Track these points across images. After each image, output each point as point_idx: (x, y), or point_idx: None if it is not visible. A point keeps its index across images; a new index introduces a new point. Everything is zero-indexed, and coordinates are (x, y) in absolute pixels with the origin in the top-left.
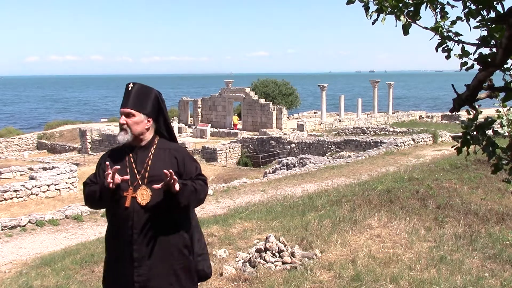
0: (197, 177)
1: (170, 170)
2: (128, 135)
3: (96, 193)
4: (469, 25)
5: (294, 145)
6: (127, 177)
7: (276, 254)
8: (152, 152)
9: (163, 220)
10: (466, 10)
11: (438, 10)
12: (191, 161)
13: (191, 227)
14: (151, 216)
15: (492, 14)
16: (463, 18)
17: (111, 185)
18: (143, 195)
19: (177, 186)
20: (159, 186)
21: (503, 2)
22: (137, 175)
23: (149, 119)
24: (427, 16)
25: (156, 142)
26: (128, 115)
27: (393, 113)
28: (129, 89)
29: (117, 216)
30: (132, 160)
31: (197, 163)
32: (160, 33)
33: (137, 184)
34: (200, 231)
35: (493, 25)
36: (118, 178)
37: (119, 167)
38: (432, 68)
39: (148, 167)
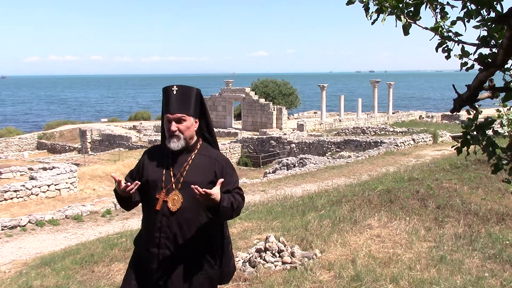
0: (235, 190)
1: (197, 187)
2: (181, 141)
3: (120, 197)
4: (465, 26)
5: (294, 145)
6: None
7: (276, 254)
8: (192, 157)
9: (192, 228)
10: (465, 10)
11: (438, 10)
12: (231, 173)
13: (222, 237)
14: (179, 222)
15: (492, 15)
16: (463, 18)
17: (126, 189)
18: (174, 200)
19: (217, 197)
20: (197, 192)
21: (501, 2)
22: (172, 178)
23: (196, 120)
24: (427, 16)
25: (198, 147)
26: (179, 121)
27: (393, 113)
28: (174, 92)
29: (148, 218)
30: (170, 162)
31: (236, 175)
32: (160, 33)
33: (170, 187)
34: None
35: (493, 26)
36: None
37: (133, 186)
38: (432, 68)
39: (185, 172)
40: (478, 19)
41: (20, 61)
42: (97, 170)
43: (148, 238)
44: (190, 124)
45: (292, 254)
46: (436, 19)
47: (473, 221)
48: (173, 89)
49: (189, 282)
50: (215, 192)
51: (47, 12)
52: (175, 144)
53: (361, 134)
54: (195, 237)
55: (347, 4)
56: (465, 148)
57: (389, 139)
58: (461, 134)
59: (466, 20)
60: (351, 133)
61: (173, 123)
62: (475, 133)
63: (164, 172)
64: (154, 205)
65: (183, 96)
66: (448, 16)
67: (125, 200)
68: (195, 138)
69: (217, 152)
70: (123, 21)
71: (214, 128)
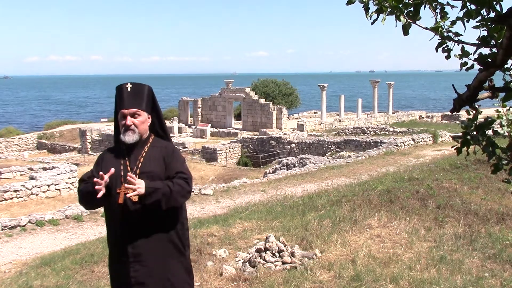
0: (178, 175)
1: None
2: (136, 134)
3: (90, 193)
4: (464, 26)
5: (294, 145)
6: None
7: (276, 254)
8: (146, 149)
9: (155, 216)
10: (465, 10)
11: (438, 10)
12: (176, 159)
13: (185, 223)
14: (143, 212)
15: (492, 15)
16: (463, 18)
17: (100, 193)
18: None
19: (141, 190)
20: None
21: (501, 2)
22: (130, 172)
23: (149, 116)
24: (427, 16)
25: (151, 141)
26: (133, 115)
27: (393, 113)
28: (128, 89)
29: (112, 213)
30: (126, 158)
31: (183, 162)
32: (160, 33)
33: None
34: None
35: (493, 26)
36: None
37: (106, 176)
38: (432, 68)
39: (140, 164)
40: (478, 19)
41: (20, 61)
42: None
43: (115, 232)
44: (144, 119)
45: (292, 254)
46: (436, 19)
47: (473, 221)
48: (127, 86)
49: (164, 269)
50: (139, 182)
51: (47, 12)
52: (130, 138)
53: (361, 134)
54: (160, 224)
55: (347, 4)
56: (465, 148)
57: (389, 139)
58: (461, 134)
59: (466, 20)
60: (351, 133)
61: (128, 117)
62: (475, 133)
63: (121, 168)
64: (116, 200)
65: (136, 93)
66: (448, 16)
67: (91, 196)
68: (148, 133)
69: (168, 142)
70: (123, 21)
71: (166, 123)
